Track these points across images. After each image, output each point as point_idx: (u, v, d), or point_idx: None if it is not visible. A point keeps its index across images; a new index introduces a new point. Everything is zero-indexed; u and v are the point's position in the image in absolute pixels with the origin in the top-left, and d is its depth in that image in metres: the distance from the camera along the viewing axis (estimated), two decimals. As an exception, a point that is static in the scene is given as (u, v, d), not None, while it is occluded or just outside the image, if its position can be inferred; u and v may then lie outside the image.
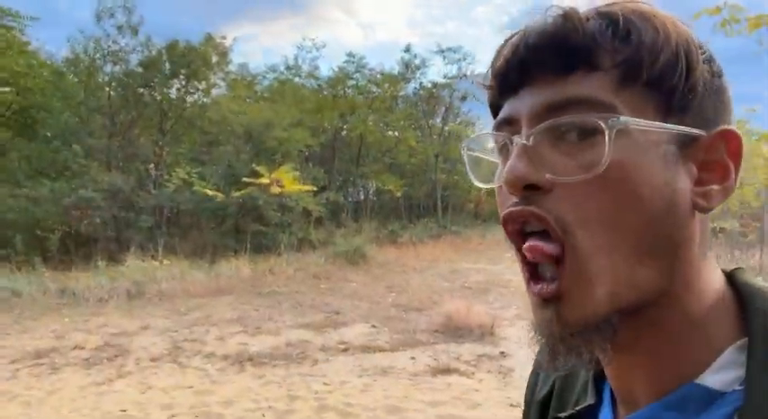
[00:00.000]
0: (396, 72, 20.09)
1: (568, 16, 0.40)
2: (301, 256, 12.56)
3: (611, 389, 0.46)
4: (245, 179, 13.29)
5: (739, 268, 0.44)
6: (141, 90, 16.34)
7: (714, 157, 0.40)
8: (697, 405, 0.38)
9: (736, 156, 0.40)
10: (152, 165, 15.69)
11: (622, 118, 0.37)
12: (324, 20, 31.63)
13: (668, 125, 0.39)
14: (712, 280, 0.41)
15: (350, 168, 20.13)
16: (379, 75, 19.60)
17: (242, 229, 14.19)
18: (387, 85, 19.85)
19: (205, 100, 17.37)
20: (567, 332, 0.38)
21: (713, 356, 0.39)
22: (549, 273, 0.40)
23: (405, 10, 35.55)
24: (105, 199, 13.17)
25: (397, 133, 20.84)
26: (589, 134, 0.38)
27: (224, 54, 17.51)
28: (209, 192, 13.36)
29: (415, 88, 21.40)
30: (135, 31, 15.90)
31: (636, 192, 0.37)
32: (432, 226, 17.56)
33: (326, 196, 15.64)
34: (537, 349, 0.41)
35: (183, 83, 16.70)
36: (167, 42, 16.08)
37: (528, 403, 0.58)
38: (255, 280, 10.39)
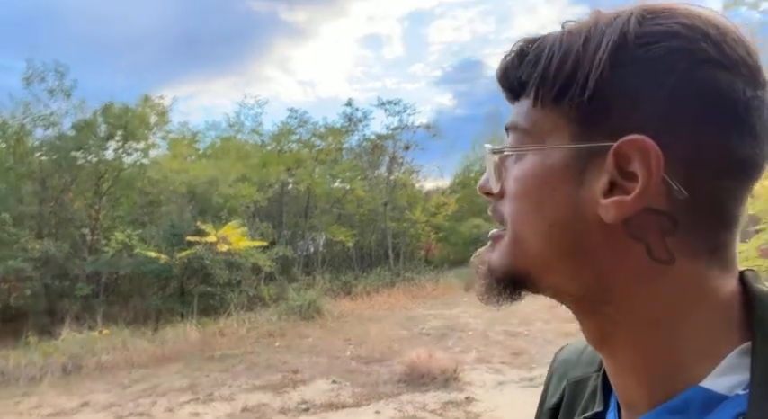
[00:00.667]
0: (339, 125, 20.45)
1: (512, 53, 0.47)
2: (253, 315, 12.07)
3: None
4: (189, 238, 12.81)
5: (749, 270, 0.44)
6: (75, 153, 15.72)
7: (625, 167, 0.40)
8: (699, 409, 0.39)
9: (647, 164, 0.38)
10: (87, 230, 14.91)
11: (507, 151, 0.47)
12: (263, 79, 32.09)
13: (549, 142, 0.43)
14: (699, 286, 0.41)
15: (299, 221, 19.90)
16: (322, 129, 19.85)
17: (188, 291, 13.55)
18: (331, 138, 20.08)
19: (144, 160, 16.92)
20: (486, 270, 0.49)
21: (718, 360, 0.39)
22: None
23: (344, 68, 36.70)
24: (37, 268, 12.31)
25: (344, 184, 20.95)
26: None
27: (163, 114, 17.25)
28: (152, 254, 12.75)
29: (359, 140, 21.78)
30: (68, 94, 15.46)
31: (537, 204, 0.44)
32: (385, 274, 17.43)
33: (276, 251, 15.29)
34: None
35: (120, 144, 16.24)
36: (102, 104, 15.71)
37: (539, 410, 0.62)
38: (205, 344, 9.84)
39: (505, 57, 0.47)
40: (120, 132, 15.86)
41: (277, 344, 9.73)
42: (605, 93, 0.40)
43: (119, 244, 13.35)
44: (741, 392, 0.37)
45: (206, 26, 31.24)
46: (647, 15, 0.41)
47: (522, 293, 0.48)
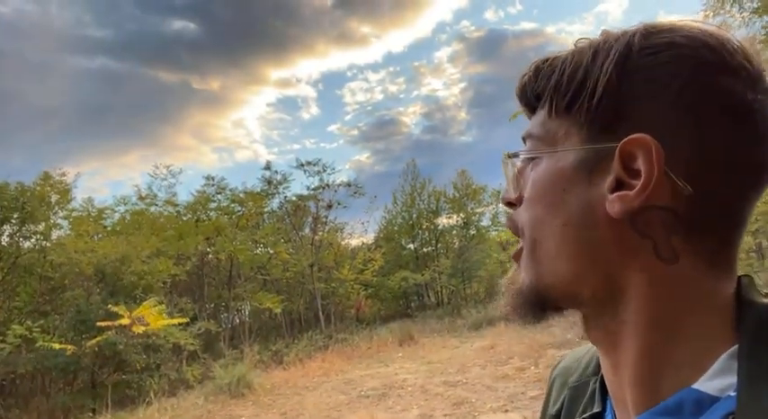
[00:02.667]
0: (259, 189, 20.13)
1: (529, 69, 0.51)
2: (176, 400, 11.09)
3: None
4: (99, 323, 11.76)
5: (746, 276, 0.45)
6: (-37, 241, 14.25)
7: (631, 165, 0.42)
8: (691, 410, 0.40)
9: (649, 159, 0.41)
10: (-22, 327, 13.29)
11: (522, 154, 0.51)
12: (178, 148, 31.26)
13: (561, 146, 0.47)
14: (699, 288, 0.43)
15: (221, 293, 18.97)
16: (241, 194, 19.42)
17: (100, 383, 12.30)
18: (251, 203, 19.66)
19: (45, 243, 15.61)
20: (516, 289, 0.50)
21: (711, 362, 0.41)
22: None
23: (260, 132, 36.73)
24: None
25: (268, 249, 20.42)
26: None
27: (65, 191, 16.17)
28: (56, 346, 11.53)
29: (280, 202, 21.56)
30: (-46, 178, 14.16)
31: (551, 205, 0.47)
32: (317, 338, 16.84)
33: (198, 326, 14.38)
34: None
35: (16, 228, 14.94)
36: (-5, 185, 14.50)
37: (542, 418, 0.64)
38: (123, 440, 8.86)
39: (522, 76, 0.52)
40: (16, 215, 14.62)
41: (206, 429, 8.95)
42: (613, 98, 0.43)
43: (17, 338, 11.97)
44: (732, 393, 0.38)
45: (111, 99, 30.30)
46: (651, 30, 0.45)
47: (547, 313, 0.49)
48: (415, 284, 22.72)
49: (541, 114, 0.49)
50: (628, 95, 0.43)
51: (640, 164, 0.42)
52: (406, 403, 8.51)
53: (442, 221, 25.49)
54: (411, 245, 25.97)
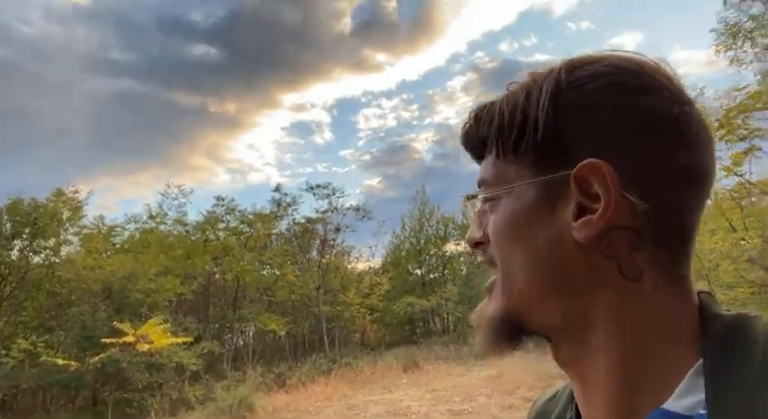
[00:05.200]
0: (268, 211, 20.23)
1: (469, 117, 0.53)
2: (177, 421, 10.98)
3: None
4: (104, 340, 11.73)
5: (705, 292, 0.47)
6: (-26, 255, 14.36)
7: (589, 190, 0.44)
8: None
9: (604, 182, 0.43)
10: (-16, 340, 13.29)
11: (480, 194, 0.52)
12: (191, 168, 31.49)
13: (515, 183, 0.48)
14: (663, 305, 0.44)
15: (226, 313, 18.90)
16: (251, 216, 19.52)
17: (101, 401, 12.21)
18: (260, 224, 19.74)
19: (54, 259, 15.71)
20: (484, 321, 0.51)
21: (678, 380, 0.41)
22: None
23: (274, 155, 37.04)
24: None
25: (274, 270, 20.40)
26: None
27: (77, 208, 16.35)
28: (60, 362, 11.49)
29: (289, 225, 21.62)
30: (-30, 193, 14.39)
31: (517, 240, 0.48)
32: (321, 361, 16.65)
33: (202, 347, 14.29)
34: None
35: (27, 243, 15.06)
36: (8, 200, 14.69)
37: None
38: (121, 461, 8.73)
39: (465, 124, 0.54)
40: (27, 230, 14.76)
41: (205, 452, 8.82)
42: (554, 132, 0.46)
43: (21, 352, 11.96)
44: (702, 411, 0.39)
45: (129, 119, 30.71)
46: (575, 65, 0.47)
47: (521, 338, 0.50)
48: (421, 310, 22.50)
49: (490, 158, 0.51)
50: (567, 127, 0.45)
51: (597, 187, 0.43)
52: (410, 431, 8.34)
53: (450, 247, 25.42)
54: (418, 271, 25.84)
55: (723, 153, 6.74)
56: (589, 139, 0.45)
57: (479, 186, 0.53)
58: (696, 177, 0.45)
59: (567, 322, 0.46)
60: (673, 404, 0.41)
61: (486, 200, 0.52)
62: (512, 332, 0.49)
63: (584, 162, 0.43)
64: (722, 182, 7.03)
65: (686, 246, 0.45)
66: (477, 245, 0.53)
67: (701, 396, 0.39)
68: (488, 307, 0.51)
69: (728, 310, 0.45)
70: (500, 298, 0.50)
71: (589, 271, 0.44)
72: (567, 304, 0.46)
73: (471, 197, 0.54)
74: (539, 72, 0.49)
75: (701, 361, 0.41)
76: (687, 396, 0.40)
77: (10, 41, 27.00)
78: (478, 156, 0.54)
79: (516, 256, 0.48)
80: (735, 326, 0.42)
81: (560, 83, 0.46)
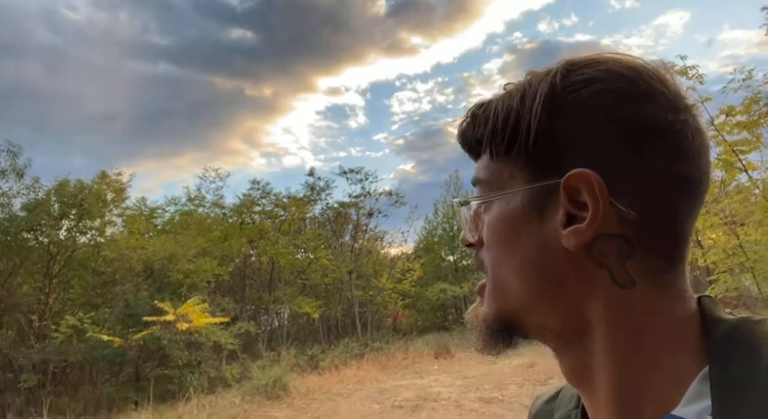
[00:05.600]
0: (302, 195, 20.50)
1: (466, 118, 0.53)
2: (214, 398, 11.36)
3: None
4: (146, 318, 12.20)
5: (706, 296, 0.47)
6: (25, 235, 15.09)
7: (577, 198, 0.44)
8: None
9: (592, 192, 0.43)
10: (35, 316, 14.02)
11: (472, 200, 0.53)
12: (228, 152, 32.08)
13: (507, 187, 0.48)
14: (658, 311, 0.43)
15: (262, 295, 19.34)
16: (285, 199, 19.82)
17: (144, 376, 12.71)
18: (294, 208, 20.04)
19: (99, 239, 16.37)
20: (478, 322, 0.51)
21: (685, 386, 0.41)
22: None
23: (308, 139, 37.30)
24: (-24, 360, 11.36)
25: (308, 254, 20.70)
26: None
27: (120, 190, 16.96)
28: (105, 338, 12.02)
29: (322, 209, 21.85)
30: (20, 174, 15.07)
31: (508, 246, 0.48)
32: (353, 345, 16.90)
33: (239, 327, 14.68)
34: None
35: (74, 223, 15.73)
36: (56, 182, 15.35)
37: None
38: (162, 434, 9.12)
39: (462, 122, 0.54)
40: (74, 211, 15.40)
41: (241, 429, 9.12)
42: (547, 137, 0.46)
43: (69, 328, 12.56)
44: (709, 417, 0.39)
45: (170, 104, 31.47)
46: (570, 68, 0.47)
47: (515, 339, 0.51)
48: (453, 297, 22.49)
49: (485, 158, 0.52)
50: (560, 133, 0.45)
51: (585, 197, 0.43)
52: (440, 416, 8.41)
53: (484, 234, 25.18)
54: (450, 257, 25.76)
55: (773, 140, 6.42)
56: (581, 146, 0.44)
57: (474, 185, 0.54)
58: (690, 185, 0.45)
59: (562, 329, 0.47)
60: (681, 410, 0.41)
61: (479, 202, 0.53)
62: (505, 334, 0.50)
63: (573, 171, 0.43)
64: (772, 171, 6.71)
65: (679, 251, 0.45)
66: (470, 246, 0.54)
67: (708, 402, 0.39)
68: (482, 308, 0.52)
69: (732, 313, 0.45)
70: (492, 302, 0.50)
71: (580, 279, 0.45)
72: (560, 311, 0.46)
73: (464, 202, 0.55)
74: (536, 72, 0.49)
75: (707, 368, 0.41)
76: (695, 402, 0.40)
77: (57, 28, 27.95)
78: (475, 156, 0.54)
79: (509, 262, 0.48)
80: (739, 331, 0.42)
81: (555, 86, 0.46)
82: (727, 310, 0.46)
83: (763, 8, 8.08)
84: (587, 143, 0.44)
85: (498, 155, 0.49)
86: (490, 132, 0.50)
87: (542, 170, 0.46)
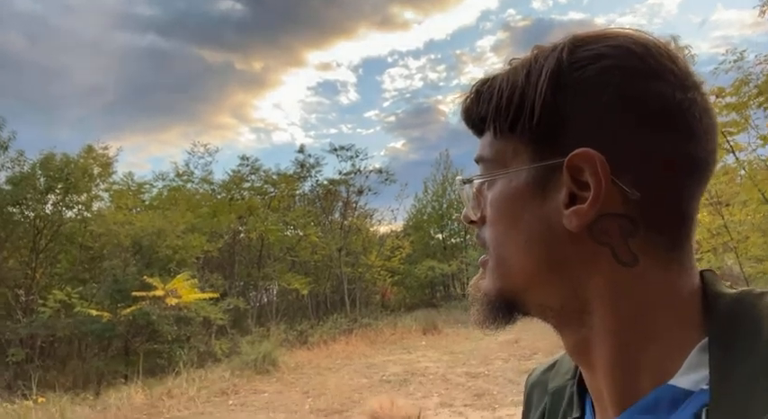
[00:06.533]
0: (291, 172, 20.39)
1: (470, 92, 0.52)
2: (204, 372, 11.45)
3: (592, 401, 0.51)
4: (135, 293, 12.19)
5: (709, 270, 0.47)
6: (11, 209, 14.91)
7: (580, 178, 0.44)
8: (668, 405, 0.41)
9: (595, 172, 0.43)
10: (22, 291, 13.96)
11: (475, 179, 0.53)
12: (217, 127, 31.63)
13: (511, 166, 0.48)
14: (661, 287, 0.44)
15: (251, 271, 19.39)
16: (275, 176, 19.71)
17: (133, 350, 12.79)
18: (284, 185, 19.95)
19: (86, 214, 16.22)
20: (481, 296, 0.52)
21: (684, 357, 0.42)
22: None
23: (299, 115, 36.87)
24: (-38, 334, 11.33)
25: (297, 231, 20.70)
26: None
27: (107, 164, 16.76)
28: (94, 313, 12.02)
29: (312, 186, 21.77)
30: (4, 147, 14.82)
31: (510, 224, 0.48)
32: (341, 321, 17.07)
33: (228, 302, 14.73)
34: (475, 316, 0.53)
35: (60, 197, 15.56)
36: (42, 156, 15.11)
37: None
38: (152, 407, 9.21)
39: (465, 98, 0.53)
40: (60, 185, 15.24)
41: (230, 402, 9.23)
42: (551, 115, 0.45)
43: (57, 303, 12.54)
44: (705, 387, 0.40)
45: (157, 77, 30.80)
46: (578, 43, 0.46)
47: (515, 316, 0.51)
48: (441, 274, 22.71)
49: (488, 136, 0.51)
50: (565, 111, 0.44)
51: (588, 177, 0.43)
52: (427, 390, 8.58)
53: (473, 212, 25.31)
54: (439, 235, 25.94)
55: (761, 121, 6.47)
56: (586, 124, 0.44)
57: (477, 162, 0.53)
58: (697, 164, 0.44)
59: (564, 306, 0.47)
60: (679, 379, 0.41)
61: (482, 180, 0.53)
62: (506, 310, 0.50)
63: (577, 151, 0.43)
64: (758, 152, 6.79)
65: (684, 229, 0.45)
66: (472, 223, 0.54)
67: (706, 372, 0.40)
68: (485, 282, 0.52)
69: (733, 287, 0.45)
70: (494, 278, 0.50)
71: (583, 257, 0.45)
72: (563, 288, 0.46)
73: (467, 180, 0.54)
74: (543, 47, 0.48)
75: (706, 339, 0.41)
76: (692, 372, 0.41)
77: (39, -4, 27.09)
78: (479, 132, 0.53)
79: (511, 239, 0.48)
80: (740, 303, 0.42)
81: (562, 63, 0.45)
82: (728, 283, 0.46)
83: (757, -12, 8.07)
84: (592, 121, 0.44)
85: (502, 132, 0.49)
86: (494, 109, 0.49)
87: (546, 148, 0.46)
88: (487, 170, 0.51)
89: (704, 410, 0.39)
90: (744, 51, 6.33)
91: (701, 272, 0.47)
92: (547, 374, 0.63)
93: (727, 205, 6.97)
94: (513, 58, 0.51)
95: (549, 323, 0.50)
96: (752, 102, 6.39)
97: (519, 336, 12.00)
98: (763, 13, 8.21)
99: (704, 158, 0.45)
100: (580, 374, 0.54)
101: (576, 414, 0.53)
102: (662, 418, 0.41)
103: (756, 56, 6.35)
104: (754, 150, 6.78)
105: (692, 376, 0.41)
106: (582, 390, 0.53)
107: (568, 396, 0.56)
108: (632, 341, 0.44)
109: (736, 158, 6.67)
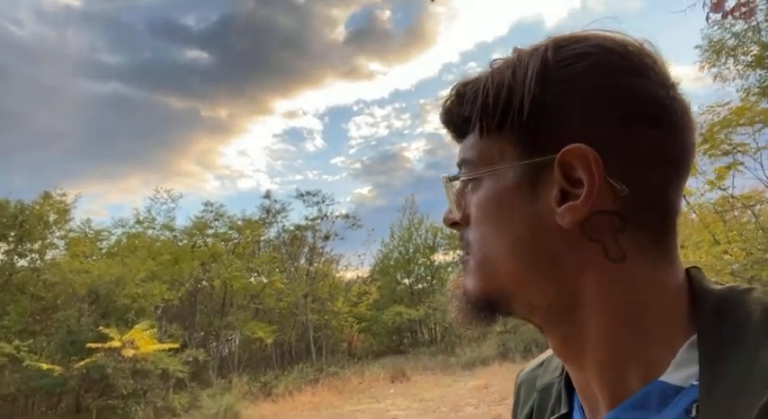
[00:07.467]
0: (257, 217, 20.18)
1: (450, 94, 0.51)
2: (161, 428, 10.85)
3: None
4: (89, 345, 11.59)
5: (694, 267, 0.48)
6: (-42, 258, 14.17)
7: (573, 175, 0.44)
8: (659, 401, 0.41)
9: (588, 168, 0.43)
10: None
11: (462, 177, 0.51)
12: (180, 174, 31.22)
13: (499, 164, 0.48)
14: (649, 283, 0.44)
15: (212, 320, 18.74)
16: (239, 222, 19.46)
17: (85, 407, 12.04)
18: (248, 231, 19.68)
19: (39, 262, 15.54)
20: (461, 294, 0.51)
21: (673, 354, 0.42)
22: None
23: (265, 162, 36.92)
24: None
25: (262, 277, 20.30)
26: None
27: (64, 211, 16.24)
28: (44, 367, 11.33)
29: (278, 232, 21.56)
30: (-47, 193, 14.22)
31: (498, 223, 0.48)
32: (308, 370, 16.57)
33: (188, 354, 14.15)
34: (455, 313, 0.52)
35: (13, 245, 14.90)
36: (-5, 202, 14.55)
37: None
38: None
39: (445, 101, 0.52)
40: (13, 233, 14.62)
41: (190, 460, 8.73)
42: (540, 112, 0.45)
43: (4, 357, 11.77)
44: (695, 382, 0.40)
45: (119, 123, 30.45)
46: (561, 43, 0.47)
47: (497, 316, 0.50)
48: (408, 320, 22.48)
49: (472, 137, 0.50)
50: (553, 108, 0.45)
51: (581, 173, 0.43)
52: (397, 441, 8.33)
53: (439, 257, 25.46)
54: (406, 280, 25.83)
55: (707, 167, 6.89)
56: (575, 121, 0.44)
57: (460, 167, 0.52)
58: (680, 159, 0.46)
59: (552, 303, 0.46)
60: (668, 376, 0.42)
61: (467, 180, 0.51)
62: (488, 311, 0.50)
63: (570, 147, 0.43)
64: (706, 196, 7.20)
65: (670, 224, 0.46)
66: (453, 225, 0.53)
67: (695, 368, 0.40)
68: (466, 280, 0.51)
69: (719, 284, 0.46)
70: (476, 279, 0.49)
71: (573, 254, 0.45)
72: (552, 285, 0.46)
73: (454, 178, 0.52)
74: (524, 49, 0.49)
75: (695, 336, 0.42)
76: (682, 368, 0.41)
77: (0, 42, 26.81)
78: (460, 135, 0.52)
79: (499, 238, 0.48)
80: (727, 300, 0.43)
81: (547, 61, 0.46)
82: (714, 279, 0.46)
83: (696, 46, 8.78)
84: (580, 118, 0.44)
85: (489, 131, 0.48)
86: (480, 108, 0.48)
87: (535, 146, 0.45)
88: (471, 171, 0.50)
89: (694, 406, 0.39)
90: (688, 102, 6.80)
91: (687, 269, 0.47)
92: (536, 371, 0.63)
93: (682, 246, 7.29)
94: (496, 59, 0.51)
95: (535, 322, 0.49)
96: (698, 150, 6.83)
97: (488, 382, 11.90)
98: (702, 68, 8.92)
99: (686, 153, 0.46)
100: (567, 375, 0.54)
101: (563, 410, 0.53)
102: (652, 414, 0.41)
103: (699, 107, 6.84)
104: (703, 194, 7.19)
105: (681, 372, 0.41)
106: (570, 387, 0.53)
107: (556, 392, 0.56)
108: (623, 337, 0.44)
109: (687, 202, 7.04)
